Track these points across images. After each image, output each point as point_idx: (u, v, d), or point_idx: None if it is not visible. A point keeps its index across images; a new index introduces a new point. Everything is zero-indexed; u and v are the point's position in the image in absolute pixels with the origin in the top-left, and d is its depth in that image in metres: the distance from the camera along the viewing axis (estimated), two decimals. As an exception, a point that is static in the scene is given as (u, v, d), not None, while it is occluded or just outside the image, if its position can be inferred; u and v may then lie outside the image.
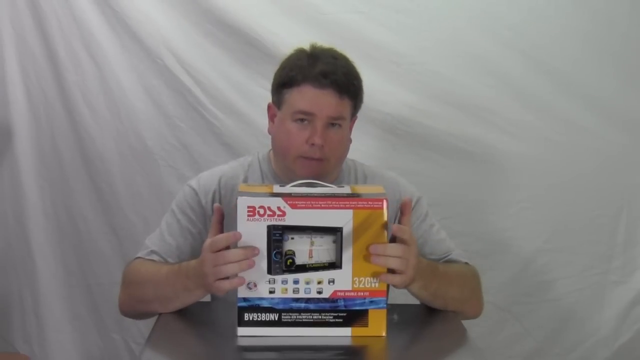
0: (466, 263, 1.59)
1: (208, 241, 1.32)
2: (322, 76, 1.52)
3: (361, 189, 1.44)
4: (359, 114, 1.81)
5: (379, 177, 1.65)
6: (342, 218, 1.29)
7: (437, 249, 1.59)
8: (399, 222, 1.37)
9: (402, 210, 1.37)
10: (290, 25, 2.07)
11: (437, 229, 1.63)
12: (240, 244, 1.29)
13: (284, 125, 1.56)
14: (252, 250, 1.28)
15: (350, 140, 1.63)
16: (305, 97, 1.52)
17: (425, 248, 1.58)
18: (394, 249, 1.30)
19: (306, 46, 1.58)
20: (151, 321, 1.43)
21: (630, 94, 2.14)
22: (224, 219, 1.35)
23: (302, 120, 1.53)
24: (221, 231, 1.34)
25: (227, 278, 1.29)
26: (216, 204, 1.35)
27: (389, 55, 2.10)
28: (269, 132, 1.62)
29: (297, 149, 1.54)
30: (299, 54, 1.58)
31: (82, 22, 2.11)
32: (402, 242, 1.32)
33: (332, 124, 1.54)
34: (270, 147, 1.64)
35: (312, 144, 1.52)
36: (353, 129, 1.69)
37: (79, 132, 2.17)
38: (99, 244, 2.21)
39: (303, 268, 1.30)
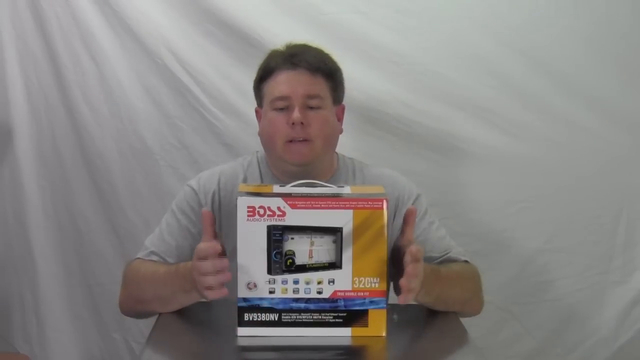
0: (466, 261, 1.58)
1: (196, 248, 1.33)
2: (292, 57, 1.58)
3: (361, 189, 1.45)
4: (359, 113, 1.82)
5: (377, 175, 1.66)
6: (342, 218, 1.29)
7: (437, 247, 1.59)
8: (402, 232, 1.37)
9: (406, 220, 1.37)
10: (291, 25, 2.07)
11: (437, 227, 1.63)
12: (240, 244, 1.29)
13: (266, 118, 1.60)
14: (221, 262, 1.29)
15: (340, 130, 1.64)
16: (280, 82, 1.57)
17: (424, 246, 1.57)
18: (419, 269, 1.30)
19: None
20: (152, 321, 1.44)
21: (631, 95, 2.14)
22: (215, 222, 1.36)
23: (281, 109, 1.56)
24: (213, 235, 1.35)
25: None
26: (204, 209, 1.37)
27: (389, 55, 2.10)
28: (258, 135, 1.64)
29: (281, 134, 1.56)
30: (272, 52, 1.64)
31: (82, 22, 2.11)
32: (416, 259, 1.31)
33: (311, 108, 1.56)
34: (269, 148, 1.66)
35: (293, 123, 1.54)
36: (354, 129, 1.70)
37: (79, 132, 2.17)
38: (100, 244, 2.21)
39: (303, 268, 1.30)
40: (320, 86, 1.59)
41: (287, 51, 1.61)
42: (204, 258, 1.30)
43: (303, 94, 1.56)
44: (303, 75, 1.57)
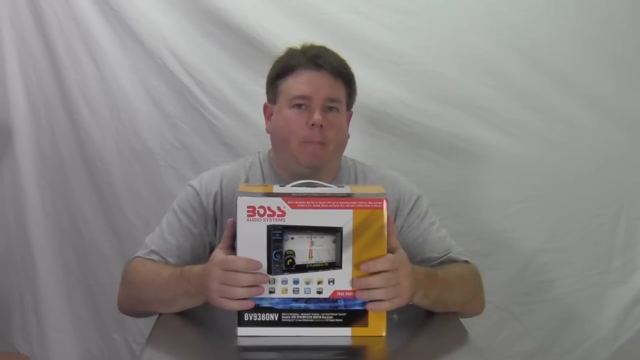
0: (466, 261, 1.58)
1: (221, 257, 1.30)
2: (315, 58, 1.56)
3: (361, 189, 1.45)
4: (359, 114, 1.81)
5: (378, 176, 1.65)
6: (342, 218, 1.29)
7: (437, 247, 1.59)
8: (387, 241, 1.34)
9: (387, 230, 1.32)
10: (290, 25, 2.07)
11: (438, 227, 1.62)
12: (239, 244, 1.29)
13: (281, 115, 1.58)
14: (262, 278, 1.28)
15: (348, 135, 1.64)
16: (301, 81, 1.56)
17: (425, 246, 1.58)
18: (377, 280, 1.28)
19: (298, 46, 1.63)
20: (151, 321, 1.44)
21: (630, 94, 2.14)
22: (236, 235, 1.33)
23: (299, 105, 1.55)
24: (232, 246, 1.32)
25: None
26: (230, 219, 1.33)
27: (389, 55, 2.10)
28: (267, 131, 1.63)
29: (297, 134, 1.55)
30: (290, 50, 1.62)
31: (82, 22, 2.11)
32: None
33: (330, 108, 1.56)
34: (270, 147, 1.65)
35: (312, 125, 1.53)
36: (354, 129, 1.69)
37: (79, 133, 2.17)
38: (99, 244, 2.21)
39: (303, 268, 1.30)
40: (340, 91, 1.58)
41: (310, 52, 1.59)
42: (237, 270, 1.28)
43: (324, 97, 1.55)
44: (326, 77, 1.56)
